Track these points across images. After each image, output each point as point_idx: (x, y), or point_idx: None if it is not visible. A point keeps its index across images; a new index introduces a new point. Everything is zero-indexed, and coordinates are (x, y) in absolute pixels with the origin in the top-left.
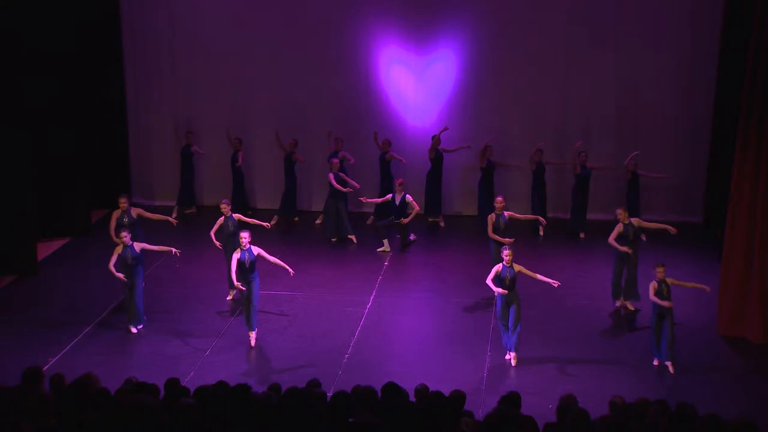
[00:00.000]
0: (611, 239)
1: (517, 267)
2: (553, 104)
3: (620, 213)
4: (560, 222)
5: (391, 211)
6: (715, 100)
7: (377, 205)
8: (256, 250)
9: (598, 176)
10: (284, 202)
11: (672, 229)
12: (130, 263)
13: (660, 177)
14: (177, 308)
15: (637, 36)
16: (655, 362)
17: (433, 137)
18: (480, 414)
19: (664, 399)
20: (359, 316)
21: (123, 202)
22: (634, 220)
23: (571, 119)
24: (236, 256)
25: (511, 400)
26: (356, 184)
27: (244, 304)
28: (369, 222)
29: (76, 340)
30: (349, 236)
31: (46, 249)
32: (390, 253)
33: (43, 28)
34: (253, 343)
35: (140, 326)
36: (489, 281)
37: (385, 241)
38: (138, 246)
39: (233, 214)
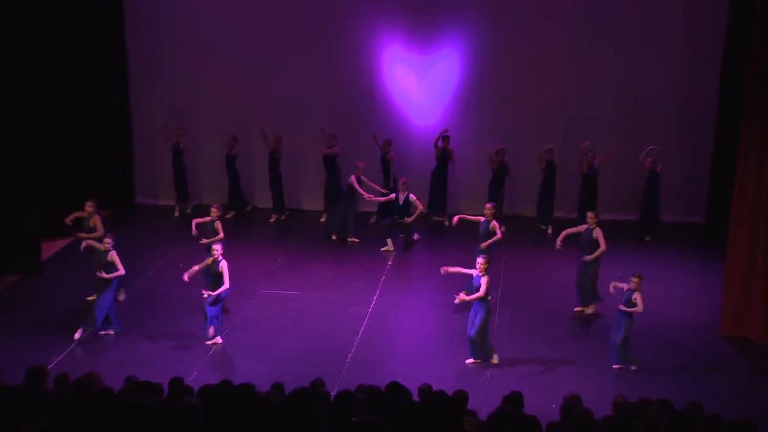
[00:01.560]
0: (565, 231)
1: (483, 279)
2: (555, 104)
3: (590, 217)
4: (567, 222)
5: (395, 211)
6: (719, 99)
7: (380, 204)
8: (223, 264)
9: (608, 176)
10: (275, 199)
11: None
12: (101, 268)
13: (662, 164)
14: (180, 308)
15: (639, 34)
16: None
17: (444, 138)
18: (483, 414)
19: (666, 398)
20: (362, 315)
21: (88, 206)
22: (597, 231)
23: (573, 118)
24: (208, 260)
25: (514, 399)
26: (387, 193)
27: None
28: (372, 221)
29: (79, 339)
30: (349, 239)
31: (49, 248)
32: (393, 253)
33: (47, 29)
34: (209, 342)
35: (107, 331)
36: (458, 269)
37: (389, 241)
38: (112, 256)
39: (217, 222)
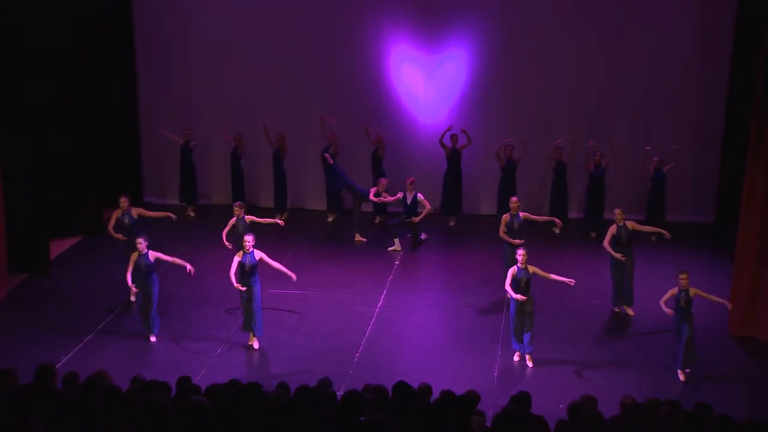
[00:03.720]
0: (605, 243)
1: (531, 268)
2: (563, 103)
3: (618, 213)
4: (575, 221)
5: (403, 210)
6: (728, 98)
7: (376, 204)
8: (258, 254)
9: (615, 175)
10: (277, 198)
11: (666, 234)
12: (144, 271)
13: (672, 165)
14: (188, 307)
15: (647, 34)
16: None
17: (452, 137)
18: (491, 414)
19: (675, 399)
20: (370, 315)
21: (123, 202)
22: (629, 223)
23: (581, 118)
24: (237, 258)
25: (521, 399)
26: (391, 199)
27: (244, 308)
28: (377, 222)
29: (88, 338)
30: (357, 238)
31: (58, 247)
32: (401, 252)
33: (55, 28)
34: (256, 346)
35: (156, 332)
36: (507, 286)
37: (396, 240)
38: (153, 255)
39: (245, 216)
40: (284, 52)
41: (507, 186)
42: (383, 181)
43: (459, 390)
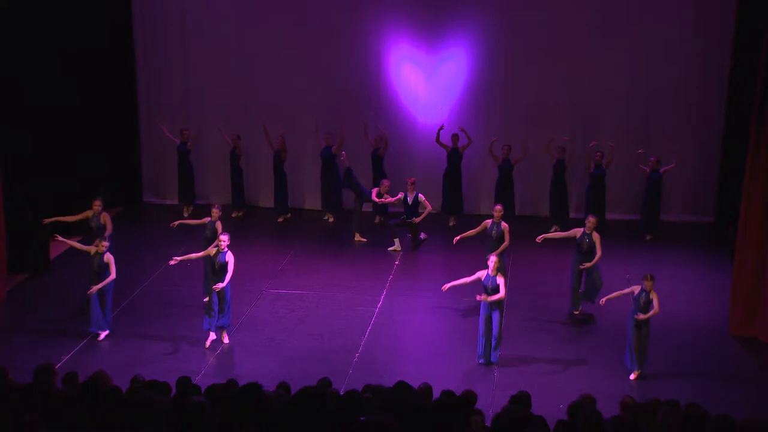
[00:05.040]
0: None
1: (500, 279)
2: (563, 102)
3: (590, 221)
4: (575, 221)
5: (404, 210)
6: (727, 97)
7: (377, 204)
8: (229, 256)
9: (615, 175)
10: (277, 199)
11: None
12: (97, 270)
13: (673, 165)
14: (188, 307)
15: (646, 34)
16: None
17: (453, 136)
18: (490, 414)
19: (675, 399)
20: (370, 315)
21: (96, 205)
22: (595, 236)
23: (581, 118)
24: (211, 250)
25: (521, 399)
26: (392, 200)
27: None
28: (377, 221)
29: (87, 338)
30: (357, 238)
31: (58, 247)
32: (401, 252)
33: (55, 29)
34: (226, 340)
35: (105, 331)
36: (459, 281)
37: (396, 240)
38: (108, 258)
39: (217, 222)
40: (284, 52)
41: (504, 186)
42: (386, 183)
43: (459, 390)
